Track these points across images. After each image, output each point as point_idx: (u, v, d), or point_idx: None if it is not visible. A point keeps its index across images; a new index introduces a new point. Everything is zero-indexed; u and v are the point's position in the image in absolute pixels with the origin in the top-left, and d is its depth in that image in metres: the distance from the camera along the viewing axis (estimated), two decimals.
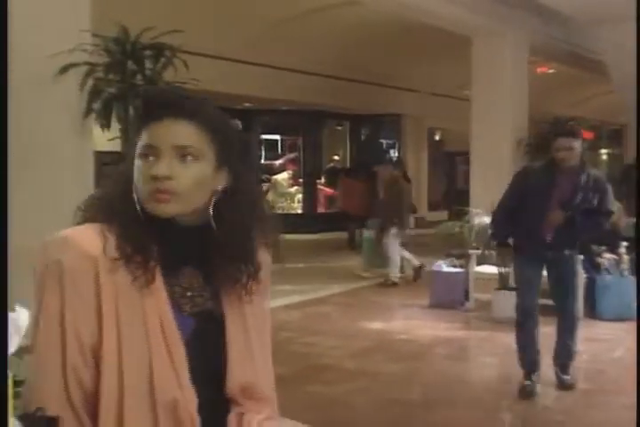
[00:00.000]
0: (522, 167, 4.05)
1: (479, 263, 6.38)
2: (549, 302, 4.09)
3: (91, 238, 1.17)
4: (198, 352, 1.20)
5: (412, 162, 14.37)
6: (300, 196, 13.51)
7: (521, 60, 9.25)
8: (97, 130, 4.59)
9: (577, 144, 3.68)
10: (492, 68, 8.93)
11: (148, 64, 4.39)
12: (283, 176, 13.30)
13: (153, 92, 1.25)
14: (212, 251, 1.24)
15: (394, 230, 7.60)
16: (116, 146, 6.36)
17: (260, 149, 13.55)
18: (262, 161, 13.45)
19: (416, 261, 7.91)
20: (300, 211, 13.38)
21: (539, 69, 12.35)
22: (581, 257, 4.96)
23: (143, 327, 1.16)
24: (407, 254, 7.95)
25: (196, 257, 1.24)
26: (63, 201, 4.26)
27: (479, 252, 6.35)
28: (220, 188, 1.21)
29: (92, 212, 1.23)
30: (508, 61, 9.00)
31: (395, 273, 7.70)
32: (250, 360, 1.25)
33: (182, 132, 1.18)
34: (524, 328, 3.95)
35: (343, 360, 4.77)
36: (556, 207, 3.73)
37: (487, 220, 6.43)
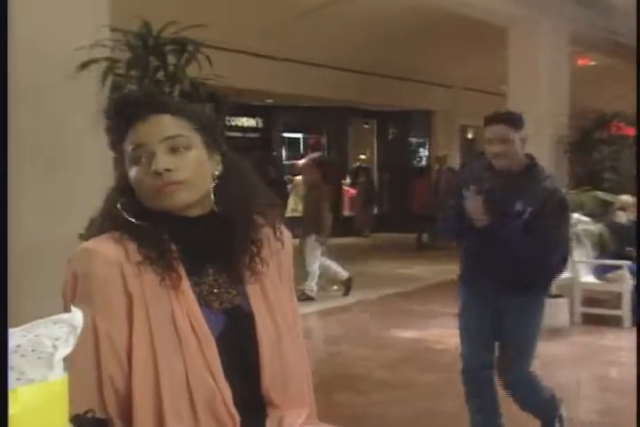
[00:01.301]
0: (460, 170, 3.94)
1: None
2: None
3: (112, 247, 1.25)
4: (231, 349, 1.27)
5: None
6: None
7: (560, 50, 9.16)
8: None
9: (516, 136, 2.99)
10: (530, 61, 8.85)
11: (170, 59, 4.45)
12: None
13: (132, 94, 1.37)
14: (225, 240, 1.32)
15: (312, 239, 7.20)
16: None
17: (282, 148, 13.60)
18: (284, 161, 13.50)
19: (344, 273, 7.52)
20: None
21: (580, 61, 12.30)
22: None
23: (174, 328, 1.23)
24: (333, 265, 7.54)
25: (216, 252, 1.32)
26: (82, 204, 4.36)
27: None
28: (216, 173, 1.31)
29: (105, 223, 1.31)
30: (547, 53, 8.91)
31: (310, 286, 7.24)
32: (282, 356, 1.32)
33: (168, 124, 1.28)
34: (471, 396, 3.20)
35: (374, 370, 4.80)
36: (492, 216, 3.02)
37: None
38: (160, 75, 4.44)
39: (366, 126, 14.90)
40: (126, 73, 4.44)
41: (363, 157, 14.57)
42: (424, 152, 15.33)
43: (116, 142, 1.30)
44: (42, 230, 4.19)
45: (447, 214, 3.17)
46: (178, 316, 1.24)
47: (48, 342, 1.00)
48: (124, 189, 1.30)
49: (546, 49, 8.90)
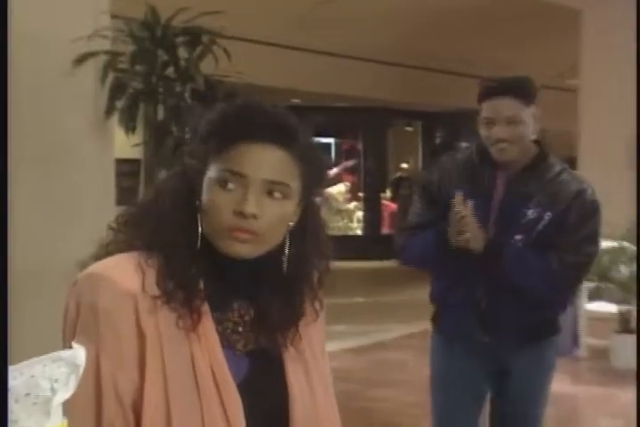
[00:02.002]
0: (438, 160, 2.93)
1: (592, 299, 6.33)
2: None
3: (127, 273, 1.26)
4: (255, 397, 1.28)
5: None
6: (359, 213, 13.56)
7: None
8: (117, 132, 4.73)
9: (527, 113, 2.59)
10: (608, 50, 8.71)
11: (182, 53, 4.50)
12: (338, 189, 13.35)
13: (255, 107, 1.31)
14: (269, 284, 1.34)
15: None
16: (135, 153, 6.54)
17: None
18: None
19: None
20: (359, 232, 13.42)
21: None
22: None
23: (192, 374, 1.24)
24: None
25: (248, 290, 1.34)
26: (81, 215, 4.42)
27: (592, 284, 6.29)
28: (291, 224, 1.32)
29: (129, 234, 1.32)
30: (630, 39, 8.76)
31: None
32: (315, 409, 1.34)
33: (278, 164, 1.27)
34: None
35: (423, 420, 4.76)
36: (491, 232, 2.63)
37: (601, 242, 6.37)
38: (169, 71, 4.49)
39: (409, 130, 14.91)
40: (130, 68, 4.50)
41: (405, 165, 14.57)
42: None
43: (211, 148, 1.29)
44: (35, 253, 4.25)
45: (413, 238, 2.71)
46: (198, 361, 1.24)
47: (45, 384, 1.00)
48: (181, 203, 1.30)
49: (628, 35, 8.71)
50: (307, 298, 1.38)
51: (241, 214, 1.24)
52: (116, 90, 4.45)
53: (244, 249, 1.26)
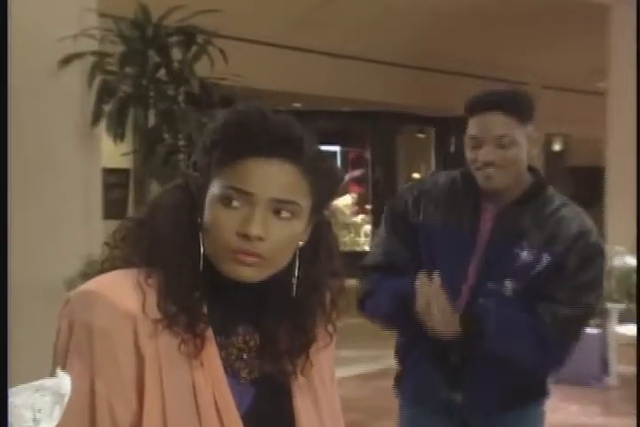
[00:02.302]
0: (409, 185, 2.70)
1: (622, 322, 6.31)
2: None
3: (125, 292, 1.25)
4: None
5: None
6: (367, 227, 13.56)
7: None
8: (105, 140, 4.75)
9: (521, 134, 2.34)
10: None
11: (175, 54, 4.52)
12: (345, 201, 13.36)
13: (258, 117, 1.29)
14: (277, 308, 1.33)
15: None
16: (123, 162, 6.55)
17: None
18: None
19: None
20: (367, 248, 13.42)
21: None
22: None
23: (193, 403, 1.23)
24: None
25: (254, 313, 1.33)
26: (65, 229, 4.42)
27: (622, 306, 6.27)
28: (301, 243, 1.31)
29: (126, 251, 1.31)
30: None
31: None
32: None
33: (287, 180, 1.26)
34: None
35: None
36: (469, 283, 2.39)
37: (632, 261, 6.35)
38: (161, 73, 4.50)
39: (421, 136, 14.92)
40: (119, 71, 4.52)
41: (417, 175, 14.57)
42: None
43: (213, 160, 1.28)
44: (17, 270, 4.24)
45: (379, 284, 2.44)
46: (200, 389, 1.24)
47: (28, 414, 1.01)
48: (182, 219, 1.30)
49: None
50: (319, 321, 1.38)
51: (245, 236, 1.24)
52: (104, 94, 4.47)
53: (249, 273, 1.26)
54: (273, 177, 1.25)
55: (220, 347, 1.29)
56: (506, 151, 2.32)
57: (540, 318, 2.33)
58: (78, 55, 4.41)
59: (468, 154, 2.38)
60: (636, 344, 3.62)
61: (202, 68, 4.48)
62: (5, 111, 2.07)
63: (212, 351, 1.27)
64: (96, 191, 4.76)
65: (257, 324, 1.33)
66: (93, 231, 4.50)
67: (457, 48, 11.33)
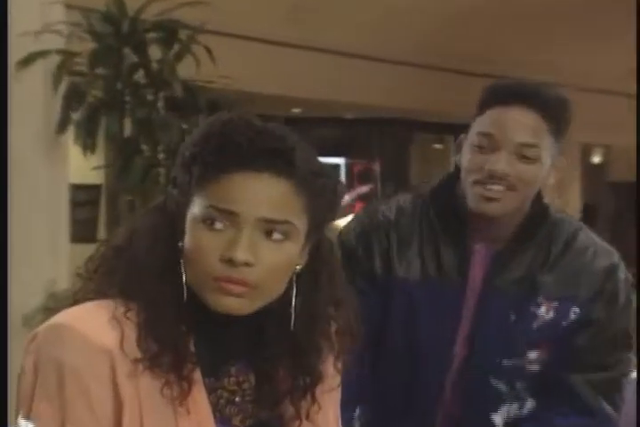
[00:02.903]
0: (364, 216, 2.24)
1: None
2: None
3: (101, 326, 1.26)
4: None
5: (556, 201, 14.27)
6: None
7: None
8: (73, 152, 4.75)
9: (549, 144, 2.02)
10: None
11: (154, 53, 4.52)
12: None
13: (243, 125, 1.30)
14: (274, 343, 1.35)
15: None
16: (94, 177, 6.56)
17: None
18: None
19: None
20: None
21: None
22: None
23: None
24: None
25: (247, 350, 1.35)
26: (26, 255, 4.41)
27: None
28: (298, 268, 1.32)
29: (101, 282, 1.33)
30: None
31: None
32: None
33: (278, 197, 1.27)
34: None
35: None
36: (457, 364, 2.09)
37: None
38: (139, 75, 4.51)
39: (438, 147, 14.92)
40: (89, 72, 4.52)
41: None
42: None
43: (186, 182, 1.30)
44: None
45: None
46: None
47: None
48: (161, 241, 1.31)
49: None
50: (325, 358, 1.38)
51: (230, 262, 1.24)
52: (72, 98, 4.47)
53: (235, 304, 1.26)
54: (261, 194, 1.26)
55: (209, 390, 1.30)
56: (528, 166, 1.98)
57: (586, 403, 2.08)
58: (41, 54, 4.41)
59: (467, 158, 2.01)
60: (637, 358, 3.66)
61: (185, 69, 4.48)
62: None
63: (199, 396, 1.28)
64: (62, 210, 4.76)
65: (252, 362, 1.35)
66: (58, 257, 4.50)
67: (480, 44, 11.34)
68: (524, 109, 1.99)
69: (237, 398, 1.33)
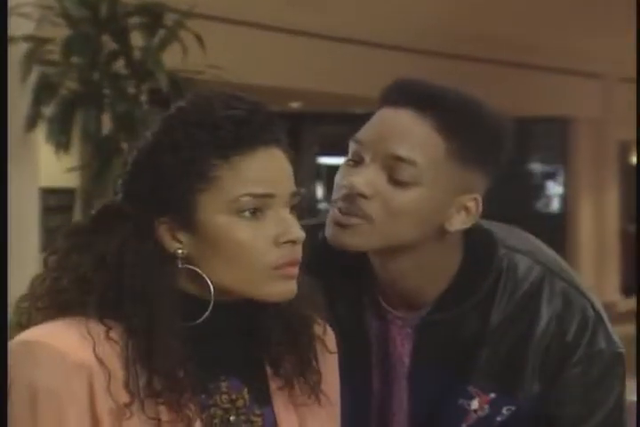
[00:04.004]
0: None
1: None
2: None
3: (77, 341, 1.26)
4: None
5: (590, 208, 14.24)
6: None
7: None
8: (44, 151, 4.77)
9: (441, 169, 1.65)
10: None
11: (136, 40, 4.53)
12: None
13: (232, 99, 1.36)
14: (260, 346, 1.40)
15: None
16: (68, 180, 6.56)
17: (316, 182, 13.67)
18: (320, 203, 13.54)
19: None
20: None
21: None
22: None
23: None
24: None
25: (237, 359, 1.38)
26: None
27: None
28: None
29: (72, 297, 1.32)
30: None
31: None
32: None
33: (291, 171, 1.37)
34: None
35: None
36: None
37: None
38: (119, 65, 4.51)
39: None
40: (63, 61, 4.52)
41: None
42: (556, 188, 15.27)
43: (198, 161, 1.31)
44: None
45: None
46: None
47: None
48: (154, 254, 1.33)
49: None
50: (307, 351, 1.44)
51: (291, 243, 1.32)
52: (43, 91, 4.48)
53: (293, 287, 1.34)
54: (283, 169, 1.36)
55: (202, 408, 1.32)
56: (398, 192, 1.64)
57: None
58: (9, 40, 4.42)
59: (337, 176, 1.71)
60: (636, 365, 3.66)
61: (171, 59, 4.49)
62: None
63: (197, 423, 1.30)
64: (31, 217, 4.78)
65: (243, 374, 1.38)
66: (27, 269, 4.51)
67: (504, 29, 11.32)
68: (412, 115, 1.67)
69: (232, 417, 1.35)
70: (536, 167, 15.45)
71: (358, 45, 10.64)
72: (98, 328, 1.28)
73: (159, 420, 1.26)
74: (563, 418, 1.70)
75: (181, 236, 1.31)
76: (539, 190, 15.44)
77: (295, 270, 1.33)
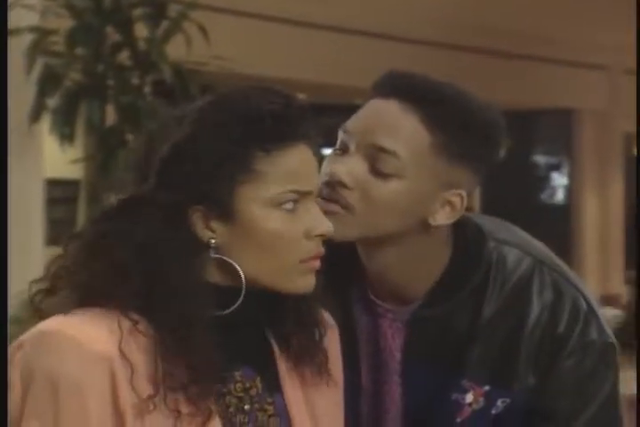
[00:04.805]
0: None
1: None
2: None
3: (99, 333, 1.26)
4: None
5: (595, 199, 14.23)
6: None
7: None
8: (48, 143, 4.76)
9: (426, 162, 1.64)
10: None
11: (140, 31, 4.53)
12: None
13: (285, 95, 1.39)
14: (273, 333, 1.43)
15: None
16: (73, 171, 6.57)
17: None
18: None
19: None
20: None
21: None
22: None
23: None
24: None
25: (251, 347, 1.40)
26: None
27: None
28: None
29: (106, 287, 1.30)
30: None
31: None
32: None
33: (317, 167, 1.44)
34: None
35: None
36: None
37: None
38: (123, 56, 4.51)
39: None
40: (67, 52, 4.52)
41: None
42: (561, 179, 15.27)
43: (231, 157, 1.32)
44: None
45: None
46: None
47: None
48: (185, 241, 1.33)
49: None
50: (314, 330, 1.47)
51: (321, 237, 1.37)
52: (47, 82, 4.48)
53: (314, 281, 1.39)
54: (313, 163, 1.40)
55: (217, 396, 1.33)
56: (379, 182, 1.64)
57: None
58: (12, 32, 4.40)
59: (323, 165, 1.66)
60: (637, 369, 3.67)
61: (175, 50, 4.49)
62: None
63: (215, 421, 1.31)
64: (36, 209, 4.78)
65: (255, 362, 1.39)
66: (31, 261, 4.51)
67: (509, 20, 11.30)
68: (400, 106, 1.67)
69: (247, 406, 1.36)
70: (540, 159, 15.47)
71: (364, 37, 10.63)
72: (125, 321, 1.27)
73: (179, 412, 1.26)
74: (557, 410, 1.69)
75: (215, 225, 1.31)
76: (544, 182, 15.45)
77: (318, 264, 1.36)
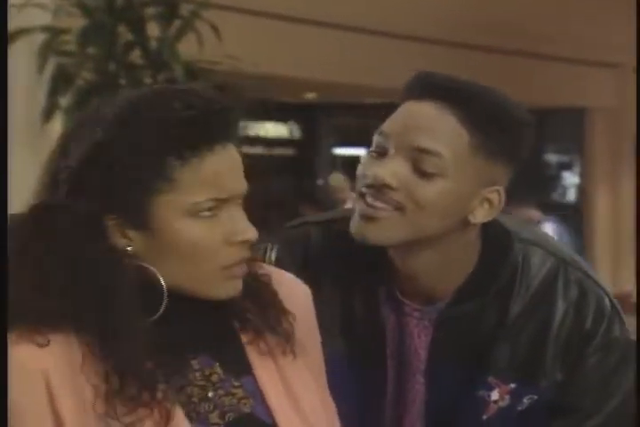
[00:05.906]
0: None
1: None
2: None
3: (28, 348, 1.24)
4: None
5: (606, 197, 14.21)
6: None
7: None
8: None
9: (466, 162, 1.66)
10: None
11: (152, 30, 4.53)
12: None
13: (183, 93, 1.34)
14: (229, 317, 1.40)
15: None
16: None
17: (332, 173, 13.66)
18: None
19: None
20: None
21: None
22: None
23: None
24: None
25: (204, 336, 1.38)
26: None
27: None
28: None
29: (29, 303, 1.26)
30: None
31: None
32: None
33: (241, 168, 1.36)
34: None
35: None
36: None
37: None
38: (135, 55, 4.51)
39: None
40: (79, 52, 4.53)
41: None
42: (572, 178, 15.26)
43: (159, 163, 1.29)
44: None
45: None
46: None
47: None
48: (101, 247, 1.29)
49: None
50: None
51: (245, 243, 1.32)
52: (59, 81, 4.48)
53: (240, 286, 1.35)
54: (237, 169, 1.34)
55: (177, 389, 1.31)
56: (424, 182, 1.65)
57: None
58: (25, 31, 4.42)
59: (359, 168, 1.72)
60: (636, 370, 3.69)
61: (187, 49, 4.49)
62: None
63: (180, 421, 1.29)
64: None
65: (213, 348, 1.38)
66: None
67: (519, 17, 11.29)
68: (436, 107, 1.69)
69: (210, 393, 1.35)
70: (552, 158, 15.47)
71: (373, 35, 10.63)
72: (55, 334, 1.25)
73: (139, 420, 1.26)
74: (580, 405, 1.72)
75: (132, 233, 1.29)
76: (555, 180, 15.45)
77: (243, 269, 1.33)
